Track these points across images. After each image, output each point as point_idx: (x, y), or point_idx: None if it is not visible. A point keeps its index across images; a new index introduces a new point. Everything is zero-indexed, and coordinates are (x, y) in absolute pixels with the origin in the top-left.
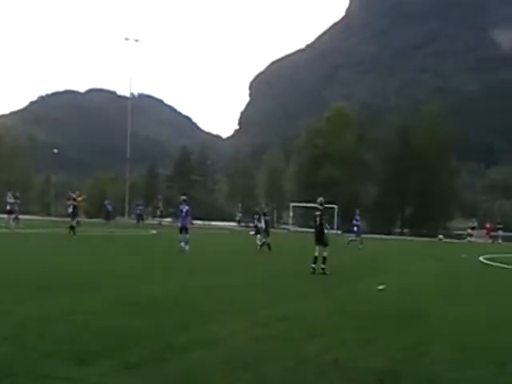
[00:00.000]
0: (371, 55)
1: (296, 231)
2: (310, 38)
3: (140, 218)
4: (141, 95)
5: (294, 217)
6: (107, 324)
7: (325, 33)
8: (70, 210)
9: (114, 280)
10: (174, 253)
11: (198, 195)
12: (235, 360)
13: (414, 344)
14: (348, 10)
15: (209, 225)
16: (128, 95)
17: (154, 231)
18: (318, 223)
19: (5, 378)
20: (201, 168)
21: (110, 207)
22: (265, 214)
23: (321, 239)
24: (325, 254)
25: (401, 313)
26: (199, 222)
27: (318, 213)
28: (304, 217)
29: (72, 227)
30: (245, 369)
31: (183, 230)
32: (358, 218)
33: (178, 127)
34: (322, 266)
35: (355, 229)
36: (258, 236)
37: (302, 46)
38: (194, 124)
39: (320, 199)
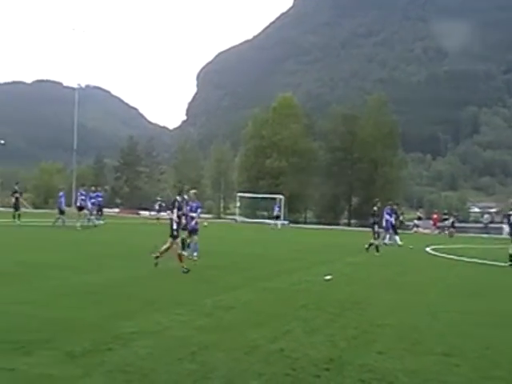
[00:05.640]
0: (318, 45)
1: (243, 221)
2: (257, 29)
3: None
4: (88, 86)
5: (240, 207)
6: (50, 314)
7: (272, 23)
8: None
9: (56, 270)
10: (113, 243)
11: (144, 186)
12: (181, 350)
13: (359, 333)
14: (296, 1)
15: (154, 215)
16: (75, 86)
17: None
18: None
19: None
20: (147, 158)
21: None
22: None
23: None
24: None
25: (346, 303)
26: (146, 213)
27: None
28: (251, 207)
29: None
30: (191, 359)
31: (192, 232)
32: (388, 212)
33: (126, 118)
34: None
35: (385, 224)
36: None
37: (250, 36)
38: (141, 115)
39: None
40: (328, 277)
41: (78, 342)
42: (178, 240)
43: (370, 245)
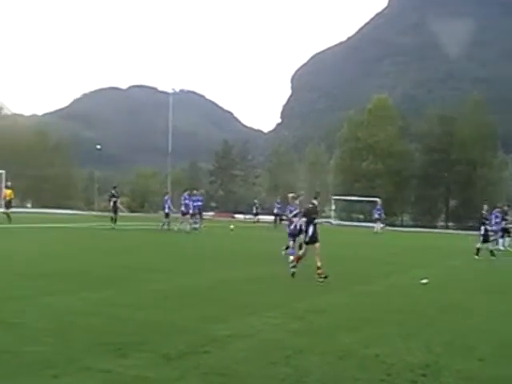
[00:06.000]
0: (414, 46)
1: (339, 225)
2: (351, 30)
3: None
4: (182, 91)
5: (335, 210)
6: (147, 317)
7: (367, 24)
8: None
9: (153, 273)
10: (210, 246)
11: (239, 189)
12: (275, 353)
13: (456, 338)
14: (390, 1)
15: (250, 218)
16: (169, 91)
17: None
18: None
19: (47, 369)
20: (242, 162)
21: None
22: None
23: None
24: None
25: (443, 307)
26: (241, 216)
27: None
28: (346, 210)
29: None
30: (285, 362)
31: (293, 236)
32: (497, 215)
33: (220, 122)
34: None
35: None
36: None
37: (344, 38)
38: (236, 119)
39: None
40: (424, 280)
41: (174, 344)
42: (317, 245)
43: (478, 249)
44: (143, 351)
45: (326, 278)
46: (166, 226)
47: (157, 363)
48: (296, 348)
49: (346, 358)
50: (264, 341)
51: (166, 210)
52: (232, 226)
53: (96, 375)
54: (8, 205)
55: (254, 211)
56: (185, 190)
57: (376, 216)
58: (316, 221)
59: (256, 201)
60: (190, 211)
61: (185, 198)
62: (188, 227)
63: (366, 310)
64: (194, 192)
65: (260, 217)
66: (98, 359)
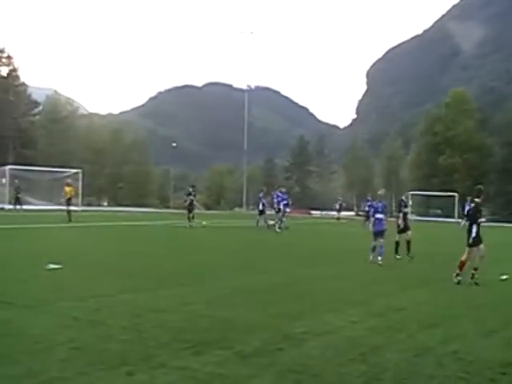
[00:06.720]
0: (491, 37)
1: (415, 220)
2: (427, 23)
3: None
4: (257, 87)
5: (412, 205)
6: (221, 314)
7: (443, 16)
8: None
9: (230, 271)
10: (285, 243)
11: (315, 185)
12: (351, 350)
13: None
14: None
15: (326, 214)
16: (244, 88)
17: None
18: None
19: (122, 366)
20: (318, 158)
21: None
22: None
23: None
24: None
25: None
26: (317, 213)
27: None
28: (423, 205)
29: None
30: (361, 359)
31: (379, 235)
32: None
33: (295, 118)
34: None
35: None
36: None
37: (419, 31)
38: (311, 114)
39: None
40: (504, 276)
41: (248, 341)
42: (482, 246)
43: None
44: (218, 348)
45: (476, 284)
46: (263, 223)
47: (231, 360)
48: (373, 345)
49: (423, 355)
50: (340, 338)
51: (261, 207)
52: (204, 222)
53: (171, 372)
54: (68, 202)
55: (337, 207)
56: (276, 188)
57: (466, 211)
58: (480, 220)
59: (340, 197)
60: (283, 209)
61: (277, 196)
62: (277, 225)
63: (444, 307)
64: (282, 190)
65: (343, 213)
66: (173, 356)
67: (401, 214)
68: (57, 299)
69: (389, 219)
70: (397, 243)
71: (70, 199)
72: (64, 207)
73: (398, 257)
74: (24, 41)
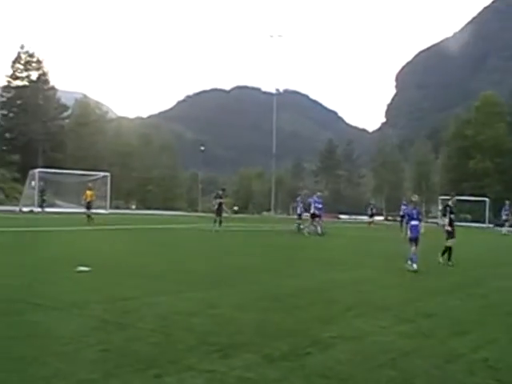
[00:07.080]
0: None
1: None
2: (458, 25)
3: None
4: (286, 91)
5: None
6: (250, 318)
7: (474, 18)
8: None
9: (260, 274)
10: (314, 246)
11: (343, 189)
12: (381, 356)
13: None
14: None
15: (355, 219)
16: (273, 91)
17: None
18: None
19: (150, 368)
20: (347, 162)
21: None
22: None
23: None
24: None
25: None
26: (345, 217)
27: None
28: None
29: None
30: (391, 365)
31: (413, 241)
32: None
33: (324, 122)
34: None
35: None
36: None
37: (450, 33)
38: (340, 118)
39: None
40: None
41: (276, 345)
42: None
43: None
44: (245, 352)
45: None
46: (309, 228)
47: (259, 364)
48: (403, 351)
49: (454, 362)
50: (370, 343)
51: (299, 211)
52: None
53: (199, 375)
54: (88, 206)
55: (369, 212)
56: (315, 193)
57: (504, 217)
58: None
59: (372, 202)
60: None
61: (315, 201)
62: (319, 229)
63: (476, 313)
64: (319, 194)
65: (376, 218)
66: (201, 359)
67: (447, 220)
68: (86, 301)
69: (424, 224)
70: (449, 249)
71: (89, 203)
72: (84, 210)
73: (449, 263)
74: (54, 45)
